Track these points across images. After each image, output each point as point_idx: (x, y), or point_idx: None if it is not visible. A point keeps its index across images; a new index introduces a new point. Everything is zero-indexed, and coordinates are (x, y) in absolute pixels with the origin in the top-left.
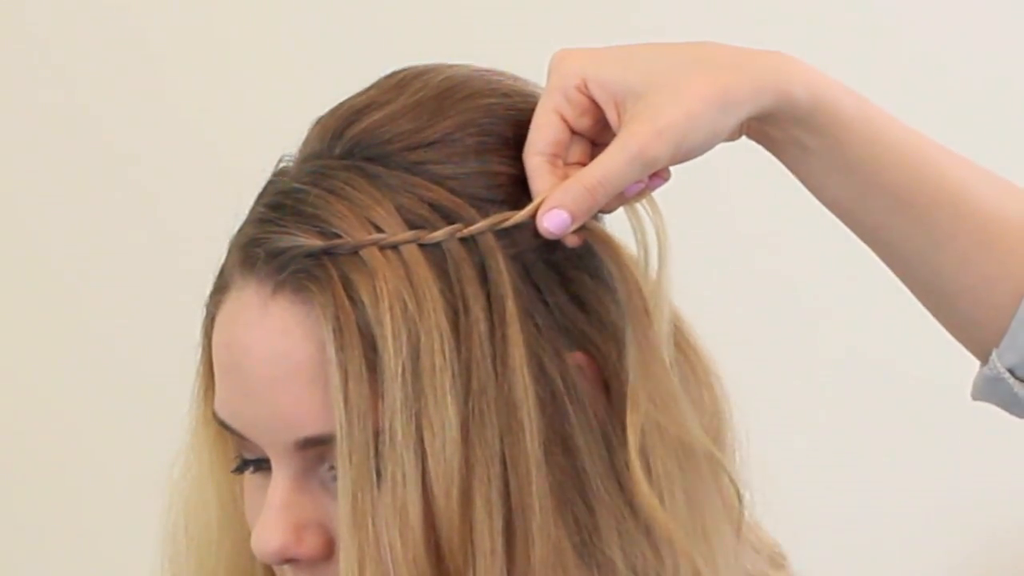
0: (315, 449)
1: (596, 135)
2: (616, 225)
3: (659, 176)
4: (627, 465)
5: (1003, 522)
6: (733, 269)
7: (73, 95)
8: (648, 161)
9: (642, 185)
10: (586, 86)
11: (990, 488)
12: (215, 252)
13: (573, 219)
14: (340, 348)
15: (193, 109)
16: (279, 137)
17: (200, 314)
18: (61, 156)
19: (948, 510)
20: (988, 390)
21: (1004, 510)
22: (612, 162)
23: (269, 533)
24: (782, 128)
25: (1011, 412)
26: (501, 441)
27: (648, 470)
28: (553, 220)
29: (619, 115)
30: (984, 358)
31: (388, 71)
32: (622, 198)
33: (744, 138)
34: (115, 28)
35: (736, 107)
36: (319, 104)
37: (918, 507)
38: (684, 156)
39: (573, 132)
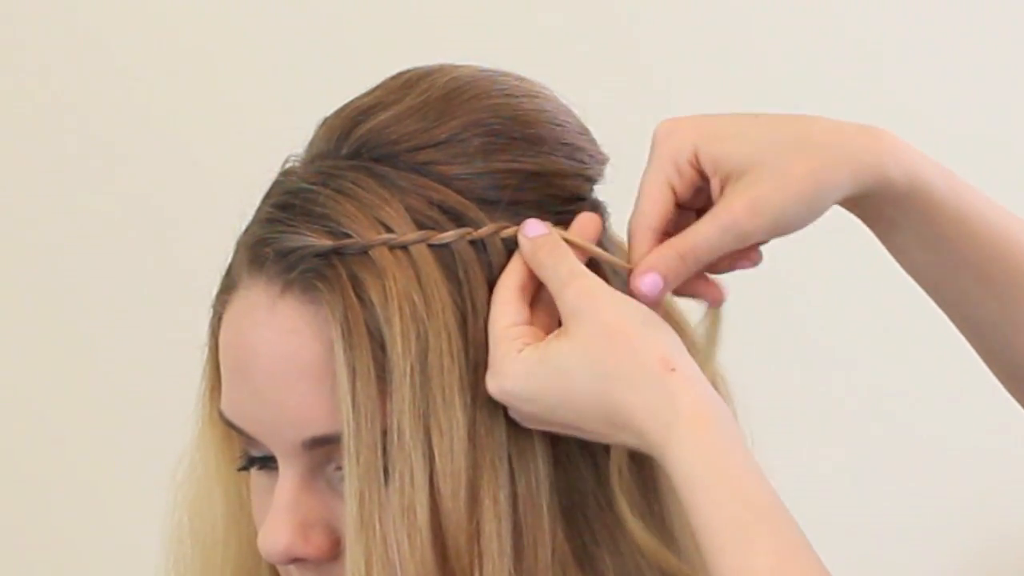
0: (322, 449)
1: (691, 202)
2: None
3: (747, 259)
4: (613, 482)
5: (1005, 525)
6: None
7: (78, 93)
8: (741, 235)
9: (730, 263)
10: (697, 160)
11: (992, 490)
12: (221, 252)
13: (665, 284)
14: (349, 347)
15: (199, 108)
16: (284, 137)
17: (206, 314)
18: (66, 155)
19: (950, 512)
20: None
21: (1006, 513)
22: (705, 232)
23: (276, 533)
24: (875, 206)
25: None
26: (509, 442)
27: (638, 479)
28: (648, 285)
29: (721, 188)
30: None
31: (393, 72)
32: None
33: None
34: (124, 26)
35: (835, 190)
36: (325, 104)
37: (921, 509)
38: (777, 233)
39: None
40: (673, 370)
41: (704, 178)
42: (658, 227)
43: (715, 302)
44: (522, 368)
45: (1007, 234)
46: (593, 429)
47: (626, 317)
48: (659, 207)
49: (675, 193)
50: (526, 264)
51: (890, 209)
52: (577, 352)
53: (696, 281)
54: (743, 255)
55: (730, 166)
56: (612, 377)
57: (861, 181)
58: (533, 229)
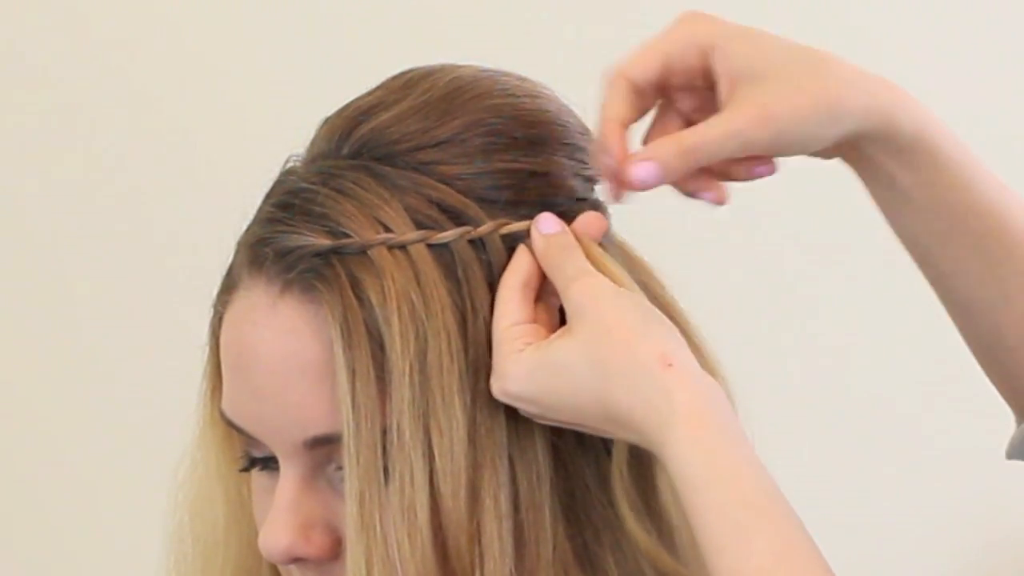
0: (323, 448)
1: (668, 93)
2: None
3: (765, 165)
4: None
5: (1005, 525)
6: (738, 270)
7: (79, 92)
8: (745, 141)
9: (747, 171)
10: (711, 53)
11: (992, 490)
12: (222, 252)
13: (663, 173)
14: (348, 347)
15: (200, 108)
16: (286, 137)
17: (207, 314)
18: (66, 155)
19: (950, 512)
20: None
21: (1006, 513)
22: (711, 132)
23: (277, 532)
24: (878, 156)
25: None
26: (509, 442)
27: (638, 477)
28: (645, 170)
29: (730, 90)
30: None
31: (395, 72)
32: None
33: None
34: (124, 25)
35: (843, 118)
36: (326, 104)
37: (919, 509)
38: (780, 150)
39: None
40: (671, 366)
41: (706, 82)
42: (635, 81)
43: (718, 202)
44: (523, 369)
45: (1009, 209)
46: (595, 427)
47: (626, 314)
48: (648, 68)
49: (667, 68)
50: (529, 260)
51: (892, 162)
52: (577, 350)
53: (699, 179)
54: (759, 161)
55: (744, 68)
56: (610, 374)
57: (869, 119)
58: (547, 226)
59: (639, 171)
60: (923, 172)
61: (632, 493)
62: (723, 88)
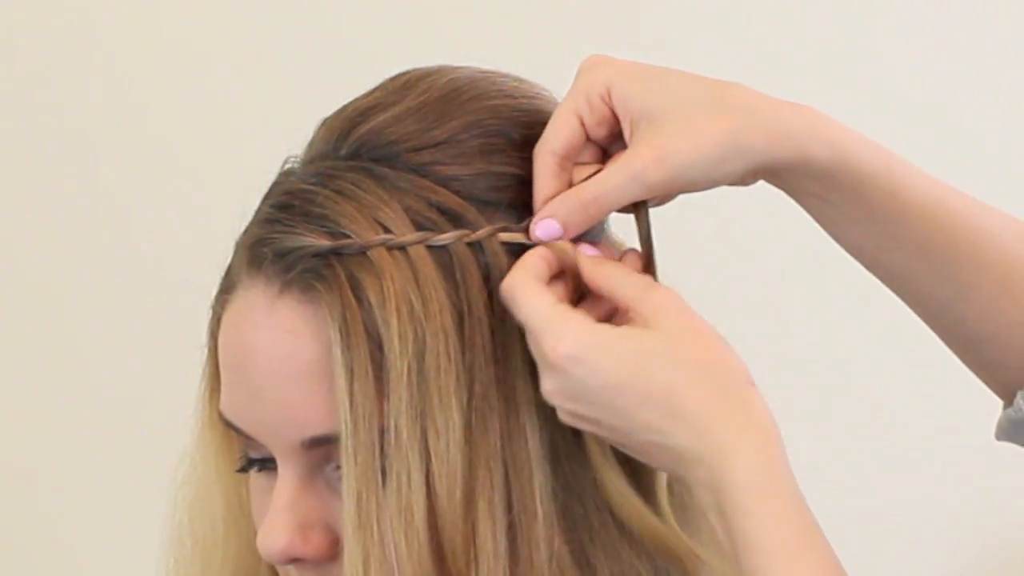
0: (321, 449)
1: (609, 144)
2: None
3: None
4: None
5: (1005, 525)
6: (736, 270)
7: (79, 93)
8: (645, 184)
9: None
10: (610, 96)
11: (992, 490)
12: (221, 252)
13: (564, 230)
14: (346, 348)
15: (199, 108)
16: (284, 137)
17: (206, 315)
18: (66, 156)
19: (950, 512)
20: (1012, 431)
21: (1006, 513)
22: (610, 181)
23: (275, 533)
24: (800, 181)
25: None
26: (503, 443)
27: (638, 475)
28: (544, 228)
29: (631, 132)
30: (1008, 399)
31: (394, 72)
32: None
33: None
34: (122, 25)
35: (745, 154)
36: (325, 105)
37: (920, 510)
38: (682, 188)
39: (588, 138)
40: (752, 384)
41: (618, 118)
42: (560, 152)
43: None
44: (596, 338)
45: (945, 208)
46: (641, 421)
47: (710, 327)
48: (563, 134)
49: (583, 125)
50: (539, 262)
51: (815, 185)
52: (663, 342)
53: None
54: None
55: (639, 110)
56: (696, 371)
57: (776, 153)
58: (591, 249)
59: (541, 230)
60: (849, 189)
61: (630, 495)
62: (625, 130)
